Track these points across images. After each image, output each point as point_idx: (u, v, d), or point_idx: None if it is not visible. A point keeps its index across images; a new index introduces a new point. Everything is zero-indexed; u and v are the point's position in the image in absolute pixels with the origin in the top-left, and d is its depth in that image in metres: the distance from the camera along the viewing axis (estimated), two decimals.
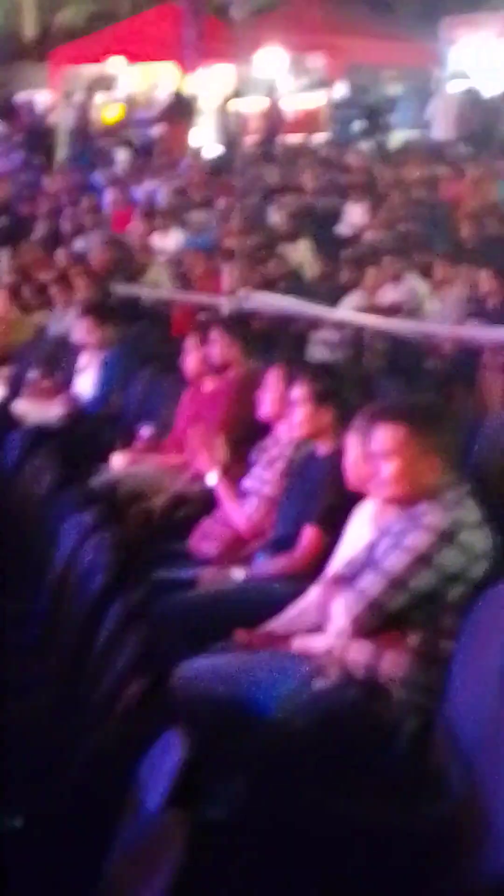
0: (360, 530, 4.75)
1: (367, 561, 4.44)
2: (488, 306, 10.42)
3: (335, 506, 5.12)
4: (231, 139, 21.80)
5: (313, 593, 4.80)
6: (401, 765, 4.10)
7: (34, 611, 5.53)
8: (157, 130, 25.12)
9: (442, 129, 22.95)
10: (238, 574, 5.46)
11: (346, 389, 5.63)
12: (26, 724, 4.60)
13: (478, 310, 10.51)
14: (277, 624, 4.92)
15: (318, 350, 10.31)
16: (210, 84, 26.45)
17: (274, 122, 24.63)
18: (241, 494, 6.06)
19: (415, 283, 11.40)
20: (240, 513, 5.93)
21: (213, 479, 6.21)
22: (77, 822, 3.78)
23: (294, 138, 24.60)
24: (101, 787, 3.77)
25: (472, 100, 23.35)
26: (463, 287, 11.12)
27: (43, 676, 4.97)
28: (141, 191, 19.67)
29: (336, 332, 10.47)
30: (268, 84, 25.83)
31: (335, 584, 4.48)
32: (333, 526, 5.08)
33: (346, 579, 4.44)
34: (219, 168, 20.54)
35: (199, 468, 6.50)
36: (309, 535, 5.26)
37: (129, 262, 13.70)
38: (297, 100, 26.71)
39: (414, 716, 4.15)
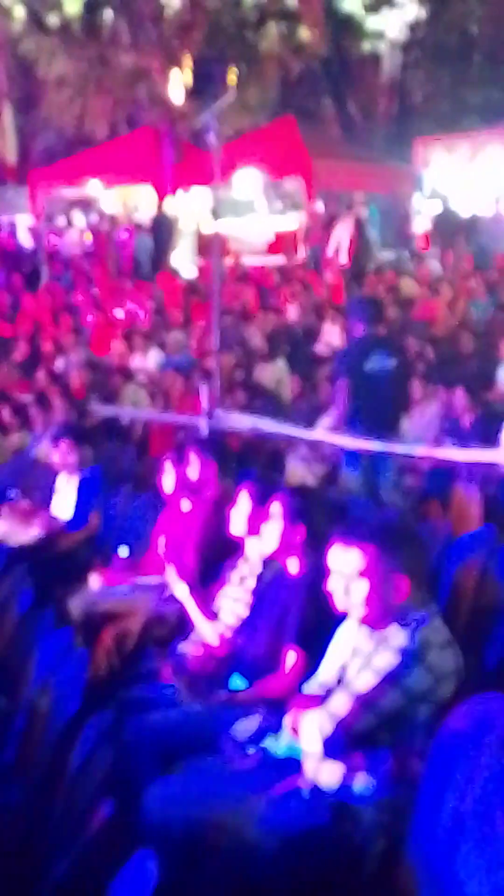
0: (337, 650, 4.79)
1: (338, 681, 4.49)
2: (463, 425, 10.55)
3: (310, 626, 5.16)
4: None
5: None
6: (370, 885, 4.11)
7: (8, 732, 5.53)
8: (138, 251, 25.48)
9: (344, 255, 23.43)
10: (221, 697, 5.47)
11: (318, 510, 5.68)
12: None
13: (452, 428, 10.63)
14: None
15: (296, 468, 10.39)
16: (188, 206, 26.89)
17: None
18: (214, 612, 6.11)
19: None
20: (211, 630, 5.97)
21: (181, 592, 6.27)
22: None
23: (271, 259, 24.96)
24: None
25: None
26: (437, 405, 11.24)
27: (16, 799, 4.97)
28: (121, 311, 19.93)
29: (313, 451, 10.55)
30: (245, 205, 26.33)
31: (307, 704, 4.52)
32: (310, 646, 5.12)
33: (317, 699, 4.47)
34: (196, 288, 20.84)
35: (168, 583, 6.57)
36: (291, 658, 5.27)
37: (106, 383, 13.83)
38: (273, 222, 27.14)
39: (383, 836, 4.17)
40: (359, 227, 23.39)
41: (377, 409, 9.98)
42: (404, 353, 10.80)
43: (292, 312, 18.51)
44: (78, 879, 3.84)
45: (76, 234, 27.87)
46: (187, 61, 26.03)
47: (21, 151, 33.28)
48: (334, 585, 4.78)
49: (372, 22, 31.80)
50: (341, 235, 23.51)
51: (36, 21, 27.55)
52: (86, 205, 29.68)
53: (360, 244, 23.16)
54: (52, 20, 27.28)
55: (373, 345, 10.17)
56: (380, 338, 10.39)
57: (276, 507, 5.64)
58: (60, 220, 29.10)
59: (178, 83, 27.31)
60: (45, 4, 26.94)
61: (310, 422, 11.21)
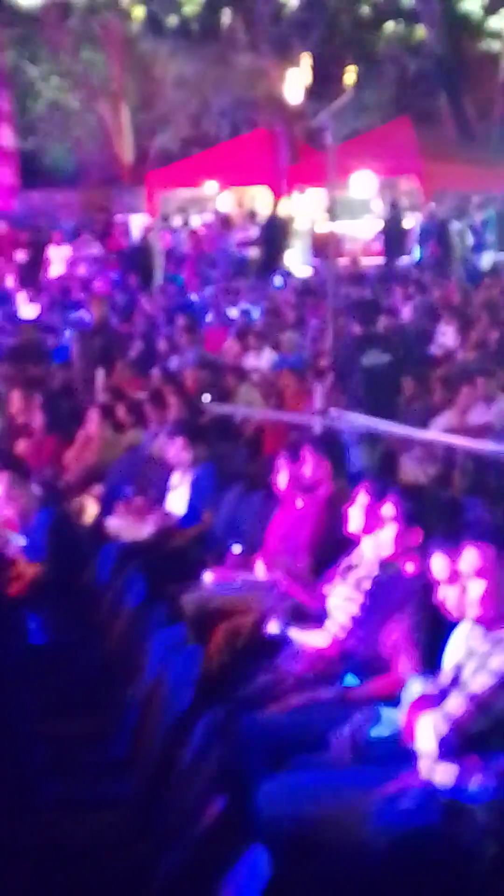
0: (452, 651, 4.75)
1: (453, 682, 4.45)
2: None
3: (425, 627, 5.13)
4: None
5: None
6: (480, 888, 4.07)
7: (122, 726, 5.57)
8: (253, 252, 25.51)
9: None
10: (334, 693, 5.43)
11: (434, 511, 5.64)
12: (110, 839, 4.63)
13: None
14: None
15: (409, 469, 10.33)
16: (303, 207, 26.86)
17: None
18: (325, 613, 6.07)
19: None
20: (320, 638, 5.94)
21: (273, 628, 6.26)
22: None
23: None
24: None
25: None
26: None
27: (128, 792, 5.00)
28: (235, 311, 19.97)
29: (427, 452, 10.49)
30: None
31: (421, 705, 4.49)
32: (424, 647, 5.09)
33: (433, 700, 4.45)
34: (310, 289, 20.81)
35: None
36: (405, 659, 5.24)
37: (220, 382, 13.85)
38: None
39: (495, 839, 4.13)
40: (442, 230, 23.33)
41: (374, 400, 11.17)
42: (397, 350, 12.42)
43: (406, 313, 18.42)
44: (191, 873, 3.85)
45: (191, 234, 27.91)
46: (305, 61, 26.05)
47: (137, 151, 33.44)
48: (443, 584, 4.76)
49: (490, 22, 31.56)
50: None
51: (154, 21, 27.73)
52: (201, 205, 29.71)
53: (442, 248, 23.10)
54: (171, 20, 27.43)
55: (368, 342, 11.70)
56: (374, 336, 12.09)
57: (389, 510, 5.60)
58: (175, 220, 29.16)
59: (295, 83, 27.33)
60: (164, 5, 27.09)
61: (423, 422, 11.16)
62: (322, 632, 5.98)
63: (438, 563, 4.87)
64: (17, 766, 5.17)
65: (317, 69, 26.51)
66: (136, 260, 25.90)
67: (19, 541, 7.37)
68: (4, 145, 24.59)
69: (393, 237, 24.64)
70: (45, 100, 32.86)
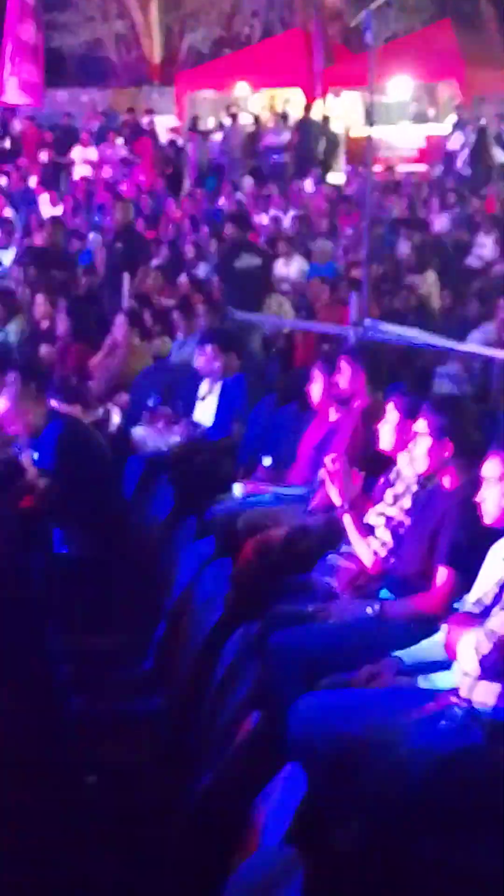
0: (493, 567, 4.62)
1: (496, 599, 4.34)
2: None
3: (464, 542, 5.00)
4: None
5: (442, 633, 4.66)
6: None
7: (150, 641, 5.48)
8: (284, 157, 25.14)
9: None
10: (372, 608, 5.31)
11: (467, 424, 5.49)
12: (140, 756, 4.57)
13: None
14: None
15: (444, 383, 10.18)
16: (338, 110, 26.44)
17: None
18: (365, 529, 5.92)
19: None
20: (366, 550, 5.80)
21: (341, 512, 6.04)
22: (195, 856, 3.73)
23: (419, 168, 24.46)
24: (218, 821, 3.72)
25: None
26: None
27: (157, 708, 4.93)
28: (265, 217, 19.69)
29: (462, 366, 10.34)
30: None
31: (463, 623, 4.37)
32: (463, 563, 4.96)
33: (475, 618, 4.33)
34: (344, 196, 20.51)
35: (327, 501, 6.37)
36: (442, 575, 5.11)
37: None
38: (424, 129, 26.56)
39: None
40: (480, 136, 22.98)
41: (244, 298, 12.20)
42: (267, 254, 14.07)
43: (444, 223, 18.15)
44: (224, 790, 3.79)
45: (220, 137, 27.43)
46: None
47: (166, 52, 32.88)
48: (487, 495, 4.61)
49: None
50: (455, 145, 23.17)
51: None
52: (230, 107, 29.22)
53: (478, 153, 22.79)
54: None
55: (241, 247, 12.98)
56: (247, 242, 13.44)
57: (422, 426, 5.44)
58: (202, 123, 28.65)
59: None
60: None
61: (460, 335, 10.98)
62: (367, 548, 5.83)
63: (492, 466, 4.69)
64: (43, 683, 5.11)
65: None
66: (165, 164, 25.55)
67: (31, 452, 7.19)
68: (29, 41, 24.02)
69: (304, 152, 24.48)
70: None
